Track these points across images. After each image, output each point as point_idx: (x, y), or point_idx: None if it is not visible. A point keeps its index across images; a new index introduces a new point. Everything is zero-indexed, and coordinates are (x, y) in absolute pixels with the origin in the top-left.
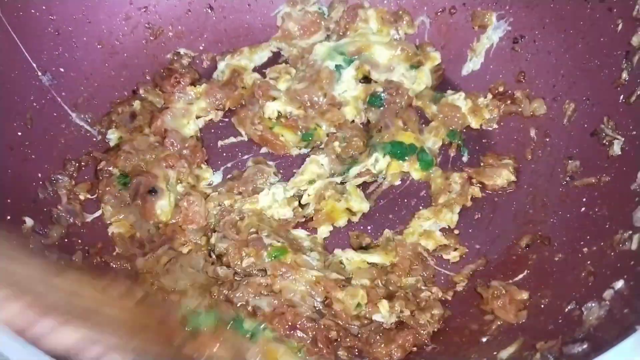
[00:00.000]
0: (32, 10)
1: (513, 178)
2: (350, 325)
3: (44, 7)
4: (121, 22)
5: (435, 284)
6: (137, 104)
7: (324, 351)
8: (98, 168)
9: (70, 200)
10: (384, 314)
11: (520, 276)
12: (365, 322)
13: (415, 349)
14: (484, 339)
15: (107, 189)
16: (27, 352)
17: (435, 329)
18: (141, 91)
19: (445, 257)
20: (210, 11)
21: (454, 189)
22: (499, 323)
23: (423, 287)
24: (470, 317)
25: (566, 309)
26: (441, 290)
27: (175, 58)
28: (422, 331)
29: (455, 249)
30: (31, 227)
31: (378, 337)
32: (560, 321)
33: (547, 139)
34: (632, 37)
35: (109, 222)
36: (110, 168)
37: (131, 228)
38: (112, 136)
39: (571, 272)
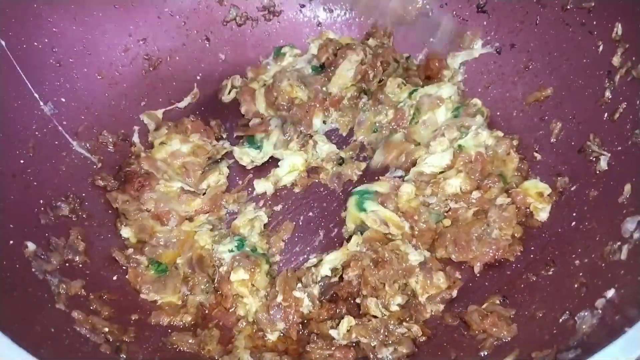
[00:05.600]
0: (35, 43)
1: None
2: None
3: (46, 40)
4: (121, 54)
5: (418, 323)
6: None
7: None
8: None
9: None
10: (339, 331)
11: (513, 290)
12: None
13: None
14: (483, 353)
15: (139, 279)
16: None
17: None
18: (119, 204)
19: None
20: (207, 43)
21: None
22: (491, 340)
23: (404, 324)
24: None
25: (560, 320)
26: (421, 331)
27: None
28: None
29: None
30: (33, 252)
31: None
32: (555, 331)
33: (536, 158)
34: (612, 58)
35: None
36: (138, 257)
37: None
38: (127, 235)
39: (564, 285)
